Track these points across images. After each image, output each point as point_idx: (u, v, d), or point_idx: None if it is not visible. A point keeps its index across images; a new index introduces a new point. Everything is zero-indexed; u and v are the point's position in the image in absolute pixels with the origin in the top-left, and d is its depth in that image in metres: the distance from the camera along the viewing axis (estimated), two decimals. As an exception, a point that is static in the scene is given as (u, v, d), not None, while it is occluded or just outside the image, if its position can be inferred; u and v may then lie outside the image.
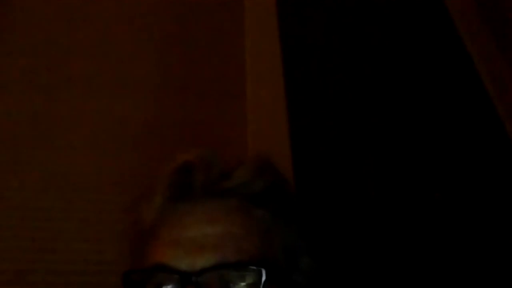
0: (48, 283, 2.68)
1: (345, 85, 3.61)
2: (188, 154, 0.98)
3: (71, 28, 3.90)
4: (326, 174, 3.12)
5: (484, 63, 3.75)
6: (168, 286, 0.89)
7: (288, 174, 3.20)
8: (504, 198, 3.04)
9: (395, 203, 3.00)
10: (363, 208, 2.98)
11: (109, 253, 2.53)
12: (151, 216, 0.96)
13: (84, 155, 3.17)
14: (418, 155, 3.24)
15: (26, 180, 3.06)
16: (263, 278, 0.89)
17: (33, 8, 4.01)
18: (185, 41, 3.87)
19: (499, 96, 3.54)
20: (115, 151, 3.17)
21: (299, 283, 0.95)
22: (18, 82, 3.53)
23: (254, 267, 0.89)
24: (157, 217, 0.95)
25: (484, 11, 4.13)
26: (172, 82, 3.60)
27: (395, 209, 2.98)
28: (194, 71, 3.66)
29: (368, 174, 3.12)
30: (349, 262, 2.75)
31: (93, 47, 3.78)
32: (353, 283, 2.70)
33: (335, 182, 3.09)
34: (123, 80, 3.58)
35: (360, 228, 2.90)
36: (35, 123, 3.32)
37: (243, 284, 0.89)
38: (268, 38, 3.89)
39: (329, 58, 3.78)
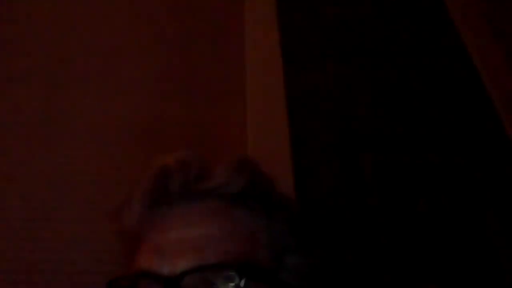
0: (54, 283, 2.69)
1: (345, 85, 3.61)
2: (165, 158, 0.98)
3: (71, 29, 3.90)
4: (326, 173, 3.12)
5: (484, 63, 3.75)
6: None
7: (288, 174, 3.22)
8: (504, 198, 3.04)
9: (395, 202, 3.00)
10: (363, 207, 2.98)
11: (112, 253, 2.53)
12: (131, 223, 0.96)
13: (85, 155, 3.17)
14: (418, 155, 3.24)
15: (26, 180, 3.06)
16: (243, 279, 0.89)
17: (34, 8, 4.01)
18: (185, 41, 3.87)
19: (499, 96, 3.54)
20: (116, 151, 3.17)
21: (286, 282, 0.94)
22: (18, 82, 3.53)
23: (234, 268, 0.88)
24: (137, 224, 0.95)
25: (485, 10, 4.13)
26: (172, 82, 3.60)
27: (394, 208, 2.98)
28: (194, 71, 3.66)
29: (368, 173, 3.12)
30: (348, 262, 2.76)
31: (92, 47, 3.78)
32: (349, 282, 2.70)
33: (335, 182, 3.09)
34: (122, 80, 3.58)
35: (360, 228, 2.90)
36: (35, 123, 3.32)
37: (226, 285, 0.88)
38: (268, 37, 3.89)
39: (329, 57, 3.78)
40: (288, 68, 3.68)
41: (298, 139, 3.25)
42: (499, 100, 3.52)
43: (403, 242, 2.85)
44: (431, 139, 3.32)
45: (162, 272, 0.89)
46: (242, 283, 0.88)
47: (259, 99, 3.48)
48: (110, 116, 3.36)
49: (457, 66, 3.77)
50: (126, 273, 0.93)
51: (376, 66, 3.74)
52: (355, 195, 3.03)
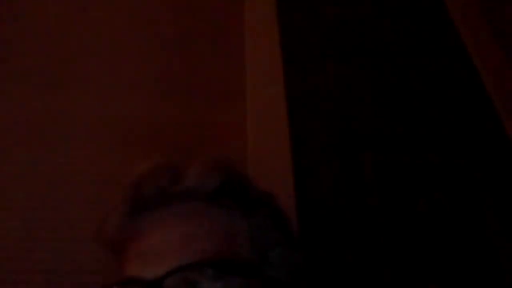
0: (54, 283, 2.69)
1: (345, 85, 3.61)
2: (140, 167, 1.00)
3: (72, 28, 3.90)
4: (326, 173, 3.12)
5: (484, 63, 3.75)
6: None
7: (288, 174, 3.21)
8: (504, 198, 3.04)
9: (395, 202, 3.00)
10: (363, 207, 2.98)
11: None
12: (114, 234, 0.98)
13: (85, 155, 3.17)
14: (418, 155, 3.24)
15: (26, 180, 3.06)
16: (224, 276, 0.90)
17: (34, 8, 4.01)
18: (185, 41, 3.87)
19: (499, 96, 3.54)
20: (115, 151, 3.17)
21: (272, 276, 0.95)
22: (17, 82, 3.53)
23: (211, 265, 0.90)
24: (119, 234, 0.97)
25: (485, 10, 4.13)
26: (172, 82, 3.60)
27: (394, 208, 2.98)
28: (194, 71, 3.66)
29: (368, 173, 3.12)
30: (348, 262, 2.76)
31: (93, 47, 3.78)
32: (349, 282, 2.70)
33: (335, 182, 3.09)
34: (122, 80, 3.58)
35: (360, 228, 2.90)
36: (35, 123, 3.32)
37: (208, 283, 0.89)
38: (268, 37, 3.89)
39: (329, 57, 3.78)
40: (288, 68, 3.68)
41: (298, 139, 3.25)
42: (499, 100, 3.52)
43: (403, 242, 2.85)
44: (431, 139, 3.32)
45: (145, 277, 0.90)
46: (223, 279, 0.89)
47: (259, 99, 3.48)
48: (110, 116, 3.36)
49: (457, 66, 3.77)
50: (113, 281, 0.95)
51: (376, 66, 3.74)
52: (355, 195, 3.03)
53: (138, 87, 3.55)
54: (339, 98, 3.53)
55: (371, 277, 2.72)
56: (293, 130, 3.30)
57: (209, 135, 3.27)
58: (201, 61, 3.74)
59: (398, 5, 4.22)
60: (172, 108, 3.43)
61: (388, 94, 3.57)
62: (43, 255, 2.77)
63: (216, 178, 0.96)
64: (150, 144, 3.18)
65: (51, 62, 3.65)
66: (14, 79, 3.56)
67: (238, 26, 3.95)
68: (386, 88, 3.61)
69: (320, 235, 2.83)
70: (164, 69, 3.66)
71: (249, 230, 0.96)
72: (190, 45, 3.84)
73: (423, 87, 3.62)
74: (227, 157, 1.00)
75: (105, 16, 4.00)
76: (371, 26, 4.04)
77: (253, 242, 0.95)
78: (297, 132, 3.29)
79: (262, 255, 0.95)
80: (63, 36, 3.84)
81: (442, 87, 3.63)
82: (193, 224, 0.94)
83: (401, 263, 2.76)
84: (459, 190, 3.07)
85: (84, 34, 3.86)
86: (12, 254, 2.79)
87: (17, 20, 3.94)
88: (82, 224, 2.86)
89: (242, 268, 0.92)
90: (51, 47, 3.76)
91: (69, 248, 2.78)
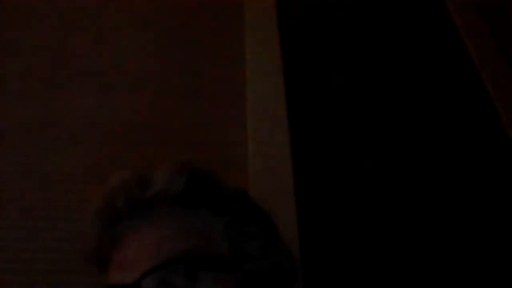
0: (54, 283, 2.69)
1: (345, 85, 3.61)
2: (110, 180, 1.03)
3: (71, 28, 3.90)
4: (326, 174, 3.12)
5: (484, 63, 3.75)
6: None
7: (288, 174, 3.21)
8: (504, 199, 3.04)
9: (395, 203, 3.00)
10: (363, 207, 2.98)
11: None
12: (93, 248, 1.01)
13: (84, 155, 3.17)
14: (418, 156, 3.24)
15: (26, 180, 3.06)
16: (197, 272, 0.91)
17: (33, 8, 4.01)
18: (185, 42, 3.87)
19: (500, 96, 3.54)
20: (115, 152, 3.17)
21: (252, 269, 0.96)
22: (17, 81, 3.53)
23: (183, 262, 0.91)
24: (98, 247, 1.00)
25: (484, 10, 4.13)
26: (172, 82, 3.60)
27: (394, 209, 2.98)
28: (194, 72, 3.66)
29: (368, 173, 3.12)
30: (348, 262, 2.76)
31: (92, 47, 3.78)
32: (349, 282, 2.70)
33: (335, 182, 3.09)
34: (122, 81, 3.58)
35: (361, 228, 2.90)
36: (35, 123, 3.32)
37: (184, 281, 0.91)
38: (269, 37, 3.89)
39: (329, 58, 3.78)
40: (288, 68, 3.68)
41: (298, 139, 3.25)
42: (499, 100, 3.52)
43: (404, 242, 2.85)
44: (431, 139, 3.32)
45: (124, 283, 0.93)
46: (198, 276, 0.91)
47: (259, 99, 3.48)
48: (110, 116, 3.36)
49: (457, 66, 3.77)
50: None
51: (376, 66, 3.75)
52: (355, 195, 3.03)
53: (139, 87, 3.55)
54: (340, 98, 3.53)
55: (372, 277, 2.72)
56: (293, 130, 3.30)
57: (209, 135, 3.27)
58: (201, 61, 3.74)
59: (398, 5, 4.22)
60: (173, 108, 3.43)
61: (388, 94, 3.57)
62: (43, 255, 2.77)
63: (181, 181, 0.98)
64: (149, 144, 3.18)
65: (50, 62, 3.65)
66: (13, 79, 3.56)
67: (238, 26, 3.95)
68: (386, 88, 3.61)
69: (320, 235, 2.84)
70: (164, 70, 3.67)
71: (223, 226, 0.98)
72: (190, 45, 3.84)
73: (423, 87, 3.62)
74: (193, 160, 1.03)
75: (106, 17, 4.00)
76: (372, 26, 4.04)
77: (228, 238, 0.97)
78: (297, 132, 3.29)
79: (239, 250, 0.97)
80: (63, 35, 3.84)
81: (442, 87, 3.63)
82: (164, 227, 0.96)
83: (401, 263, 2.76)
84: (459, 190, 3.07)
85: (85, 35, 3.86)
86: (12, 254, 2.79)
87: (17, 20, 3.94)
88: (82, 224, 2.85)
89: (216, 263, 0.93)
90: (51, 46, 3.76)
91: (69, 248, 2.78)
